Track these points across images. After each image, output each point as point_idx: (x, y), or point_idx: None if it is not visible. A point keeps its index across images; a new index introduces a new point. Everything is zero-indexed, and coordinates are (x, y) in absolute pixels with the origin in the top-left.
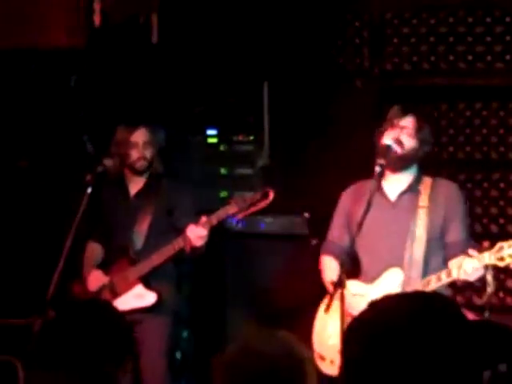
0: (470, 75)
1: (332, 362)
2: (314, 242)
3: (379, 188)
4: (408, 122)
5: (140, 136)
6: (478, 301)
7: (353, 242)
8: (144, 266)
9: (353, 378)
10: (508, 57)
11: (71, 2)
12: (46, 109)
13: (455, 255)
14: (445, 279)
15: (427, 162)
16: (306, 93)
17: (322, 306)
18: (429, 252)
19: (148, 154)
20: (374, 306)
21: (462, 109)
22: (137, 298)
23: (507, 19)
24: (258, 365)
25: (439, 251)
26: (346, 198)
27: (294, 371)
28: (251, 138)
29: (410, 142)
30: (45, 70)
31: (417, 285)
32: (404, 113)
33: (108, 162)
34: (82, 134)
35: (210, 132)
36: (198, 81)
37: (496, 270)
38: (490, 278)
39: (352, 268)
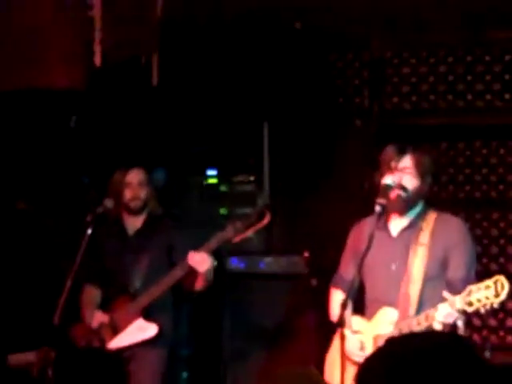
0: (469, 114)
1: None
2: (314, 281)
3: (383, 223)
4: (406, 161)
5: (134, 176)
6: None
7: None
8: (144, 299)
9: None
10: (507, 95)
11: (71, 44)
12: (45, 150)
13: (455, 294)
14: (423, 323)
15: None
16: (306, 133)
17: (331, 351)
18: (426, 291)
19: (142, 193)
20: (389, 344)
21: (462, 148)
22: (138, 331)
23: (506, 58)
24: None
25: (440, 288)
26: (353, 234)
27: None
28: (251, 178)
29: (412, 183)
30: (45, 110)
31: (409, 323)
32: (401, 154)
33: (108, 203)
34: (82, 175)
35: (210, 172)
36: (198, 122)
37: (492, 309)
38: (460, 323)
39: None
